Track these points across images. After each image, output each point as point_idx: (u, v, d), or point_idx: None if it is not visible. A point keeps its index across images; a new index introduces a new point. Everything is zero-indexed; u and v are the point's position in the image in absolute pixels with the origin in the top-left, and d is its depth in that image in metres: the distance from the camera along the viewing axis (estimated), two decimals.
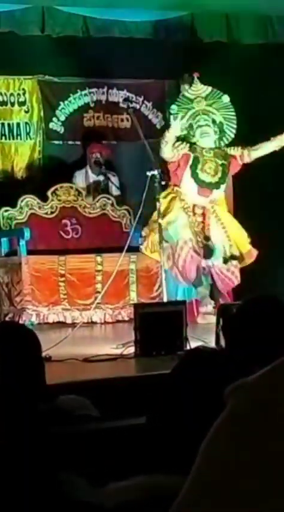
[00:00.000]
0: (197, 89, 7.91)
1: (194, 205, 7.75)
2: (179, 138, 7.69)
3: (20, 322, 7.23)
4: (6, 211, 8.02)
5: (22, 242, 7.56)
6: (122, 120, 9.06)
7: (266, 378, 0.99)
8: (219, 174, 7.77)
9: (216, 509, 0.93)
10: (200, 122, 7.80)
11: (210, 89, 7.89)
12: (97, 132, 8.98)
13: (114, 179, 8.68)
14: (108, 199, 8.35)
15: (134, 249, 7.63)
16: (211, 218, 7.75)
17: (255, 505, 0.91)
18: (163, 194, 7.49)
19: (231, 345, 2.48)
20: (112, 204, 8.33)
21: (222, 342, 5.61)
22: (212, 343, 5.74)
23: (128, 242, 7.14)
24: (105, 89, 9.03)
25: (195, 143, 7.79)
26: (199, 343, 5.85)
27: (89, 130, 9.01)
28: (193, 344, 5.68)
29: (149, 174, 7.05)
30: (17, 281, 7.58)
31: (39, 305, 7.55)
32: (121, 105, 8.88)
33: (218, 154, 7.82)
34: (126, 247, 7.03)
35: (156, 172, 7.00)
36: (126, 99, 8.78)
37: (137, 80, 9.05)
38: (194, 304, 7.88)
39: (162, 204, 7.25)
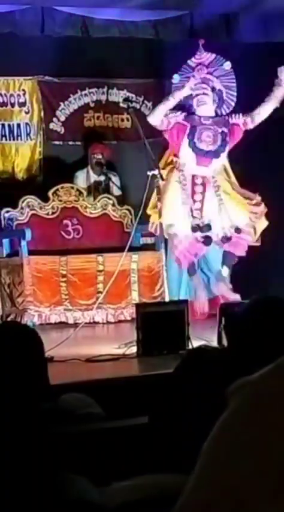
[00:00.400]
0: (200, 57, 7.85)
1: (193, 176, 7.68)
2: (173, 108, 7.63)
3: (22, 322, 7.24)
4: (7, 212, 8.02)
5: (23, 243, 7.56)
6: (122, 120, 9.06)
7: (268, 377, 0.99)
8: (219, 142, 7.66)
9: (218, 508, 0.93)
10: (198, 90, 7.71)
11: (213, 56, 7.82)
12: (97, 132, 8.98)
13: (115, 179, 8.68)
14: (109, 199, 8.35)
15: (135, 249, 7.63)
16: (210, 190, 7.67)
17: (259, 503, 0.91)
18: (162, 163, 7.48)
19: (236, 345, 2.48)
20: (113, 204, 8.32)
21: (224, 341, 5.61)
22: (214, 342, 5.74)
23: (129, 242, 7.14)
24: (105, 89, 9.03)
25: (193, 112, 7.70)
26: (202, 343, 5.85)
27: (89, 131, 9.01)
28: (195, 343, 5.67)
29: (149, 173, 7.04)
30: (19, 282, 7.58)
31: (40, 305, 7.55)
32: (121, 105, 8.88)
33: (218, 123, 7.72)
34: (127, 247, 7.03)
35: (156, 172, 7.00)
36: (126, 99, 8.77)
37: (137, 79, 9.05)
38: (195, 304, 7.88)
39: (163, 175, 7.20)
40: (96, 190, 8.59)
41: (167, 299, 6.83)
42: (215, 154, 7.68)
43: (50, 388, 2.52)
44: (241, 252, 7.82)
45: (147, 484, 1.74)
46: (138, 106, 9.03)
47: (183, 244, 7.66)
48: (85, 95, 8.99)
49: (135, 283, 7.84)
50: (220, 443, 0.98)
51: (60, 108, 8.91)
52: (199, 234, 7.66)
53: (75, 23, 7.79)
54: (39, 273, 7.59)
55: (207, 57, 7.83)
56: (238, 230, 7.71)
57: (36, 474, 2.08)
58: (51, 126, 8.88)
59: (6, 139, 8.65)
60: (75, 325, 7.22)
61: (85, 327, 7.20)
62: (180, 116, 7.63)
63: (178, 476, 1.53)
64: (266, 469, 0.92)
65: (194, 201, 7.68)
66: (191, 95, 7.74)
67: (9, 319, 7.44)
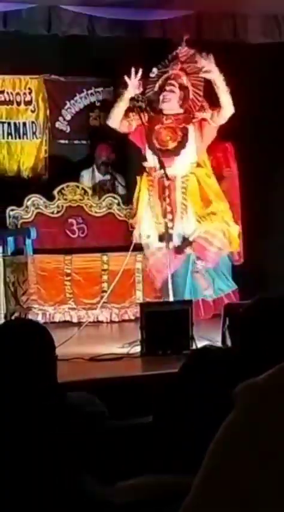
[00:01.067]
0: (180, 52, 7.54)
1: (159, 179, 7.08)
2: (133, 109, 7.31)
3: None
4: (12, 210, 8.03)
5: (28, 241, 7.57)
6: None
7: (276, 377, 0.99)
8: (179, 139, 7.22)
9: (225, 508, 0.93)
10: (166, 87, 7.35)
11: (192, 51, 7.51)
12: (103, 131, 8.97)
13: (120, 179, 8.69)
14: (114, 198, 8.36)
15: (140, 248, 7.63)
16: (177, 191, 7.12)
17: (267, 503, 0.91)
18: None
19: (241, 344, 2.47)
20: (118, 204, 8.33)
21: (228, 341, 5.61)
22: (218, 342, 5.74)
23: (134, 241, 7.13)
24: (111, 88, 9.03)
25: (151, 111, 7.41)
26: (206, 342, 5.85)
27: (95, 130, 9.01)
28: (199, 343, 5.68)
29: (155, 173, 7.04)
30: (23, 280, 7.59)
31: (45, 304, 7.56)
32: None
33: (179, 120, 7.31)
34: (132, 247, 7.03)
35: (162, 171, 6.99)
36: (132, 99, 8.77)
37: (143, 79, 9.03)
38: (200, 304, 7.88)
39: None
40: (101, 189, 8.60)
41: (171, 299, 6.82)
42: (175, 152, 7.20)
43: (57, 386, 2.52)
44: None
45: (152, 483, 1.74)
46: (143, 105, 9.02)
47: (156, 256, 7.23)
48: (91, 94, 9.00)
49: (140, 283, 7.84)
50: (226, 444, 0.98)
51: (66, 107, 8.92)
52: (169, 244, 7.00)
53: (81, 22, 7.79)
54: (43, 272, 7.60)
55: (185, 52, 7.64)
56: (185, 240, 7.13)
57: (43, 471, 2.08)
58: (57, 124, 8.89)
59: (12, 138, 8.67)
60: (79, 324, 7.23)
61: (89, 325, 7.21)
62: (141, 118, 7.25)
63: (183, 476, 1.53)
64: (274, 469, 0.92)
65: (162, 206, 7.05)
66: (159, 90, 7.40)
67: (13, 317, 7.44)
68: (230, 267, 8.28)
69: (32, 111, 8.76)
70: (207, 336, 6.05)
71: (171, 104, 7.32)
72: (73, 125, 8.96)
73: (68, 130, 8.96)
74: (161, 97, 7.34)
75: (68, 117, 8.94)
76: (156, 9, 7.79)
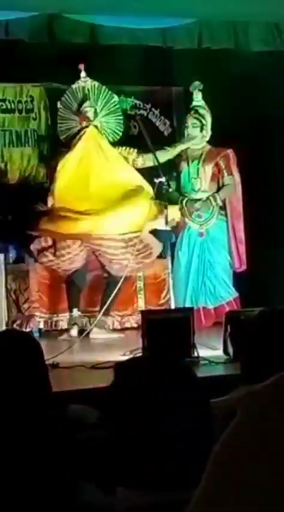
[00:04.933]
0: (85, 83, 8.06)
1: None
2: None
3: (28, 329, 7.25)
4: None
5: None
6: (129, 127, 9.06)
7: (274, 387, 0.99)
8: None
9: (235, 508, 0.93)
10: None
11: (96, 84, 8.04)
12: None
13: None
14: None
15: None
16: None
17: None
18: None
19: (245, 355, 2.48)
20: None
21: (230, 349, 5.61)
22: (220, 350, 5.74)
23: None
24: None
25: None
26: (207, 350, 5.85)
27: None
28: (200, 351, 5.68)
29: (157, 181, 7.06)
30: (25, 288, 7.58)
31: (47, 312, 7.56)
32: (128, 112, 8.89)
33: None
34: (134, 254, 7.02)
35: (163, 179, 7.01)
36: (134, 106, 8.79)
37: (145, 87, 9.06)
38: (201, 311, 7.88)
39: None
40: None
41: (173, 306, 6.82)
42: None
43: (53, 396, 2.52)
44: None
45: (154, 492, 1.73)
46: (145, 113, 9.04)
47: None
48: None
49: (141, 291, 7.84)
50: (226, 453, 0.98)
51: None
52: None
53: (83, 30, 7.81)
54: (45, 280, 7.60)
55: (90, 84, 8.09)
56: None
57: (44, 480, 2.08)
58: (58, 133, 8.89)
59: (13, 146, 8.67)
60: (81, 332, 7.22)
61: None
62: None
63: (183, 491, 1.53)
64: (275, 477, 0.92)
65: None
66: None
67: (15, 325, 7.43)
68: (232, 275, 8.28)
69: (34, 119, 8.77)
70: (208, 344, 6.05)
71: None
72: None
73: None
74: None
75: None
76: (157, 17, 7.80)
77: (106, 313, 7.23)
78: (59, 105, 8.13)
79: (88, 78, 8.10)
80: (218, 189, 8.25)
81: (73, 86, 8.12)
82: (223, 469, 0.96)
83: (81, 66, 7.98)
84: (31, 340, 2.58)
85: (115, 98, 8.26)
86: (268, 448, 0.95)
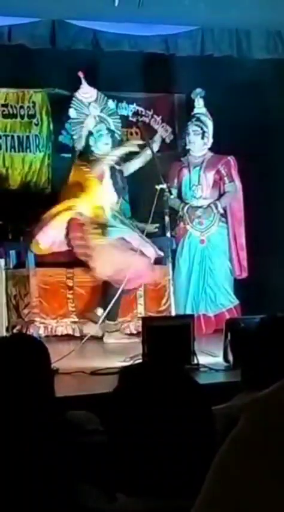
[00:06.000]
0: (86, 92, 8.06)
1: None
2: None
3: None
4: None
5: (30, 254, 7.56)
6: (131, 133, 9.08)
7: (278, 394, 0.99)
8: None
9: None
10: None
11: (95, 91, 8.04)
12: None
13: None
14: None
15: None
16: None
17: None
18: None
19: (246, 362, 2.48)
20: None
21: (230, 356, 5.60)
22: (220, 357, 5.73)
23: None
24: (114, 103, 9.04)
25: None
26: (207, 357, 5.85)
27: None
28: (200, 358, 5.67)
29: (158, 187, 7.06)
30: (25, 293, 7.58)
31: (47, 317, 7.55)
32: (130, 118, 8.90)
33: None
34: (134, 260, 7.02)
35: (164, 186, 7.01)
36: (136, 113, 8.80)
37: (147, 93, 9.07)
38: (202, 319, 7.88)
39: None
40: None
41: (173, 313, 6.81)
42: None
43: (56, 401, 2.52)
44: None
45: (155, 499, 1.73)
46: (147, 120, 9.05)
47: None
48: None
49: (141, 297, 7.83)
50: (229, 459, 0.98)
51: (69, 121, 8.92)
52: None
53: (85, 37, 7.82)
54: (45, 285, 7.59)
55: (91, 92, 8.05)
56: None
57: (46, 483, 2.07)
58: (61, 138, 8.90)
59: (15, 151, 8.67)
60: (81, 337, 7.21)
61: (91, 339, 7.19)
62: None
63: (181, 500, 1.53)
64: (278, 487, 0.92)
65: None
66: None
67: (15, 330, 7.43)
68: (232, 282, 8.28)
69: (36, 125, 8.77)
70: (209, 351, 6.04)
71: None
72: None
73: (72, 144, 8.97)
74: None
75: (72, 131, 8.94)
76: (159, 24, 7.82)
77: (111, 318, 7.25)
78: (71, 113, 8.13)
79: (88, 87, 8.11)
80: (220, 196, 8.27)
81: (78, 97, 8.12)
82: (226, 474, 0.96)
83: (81, 74, 7.97)
84: (41, 345, 2.59)
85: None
86: (272, 456, 0.94)
